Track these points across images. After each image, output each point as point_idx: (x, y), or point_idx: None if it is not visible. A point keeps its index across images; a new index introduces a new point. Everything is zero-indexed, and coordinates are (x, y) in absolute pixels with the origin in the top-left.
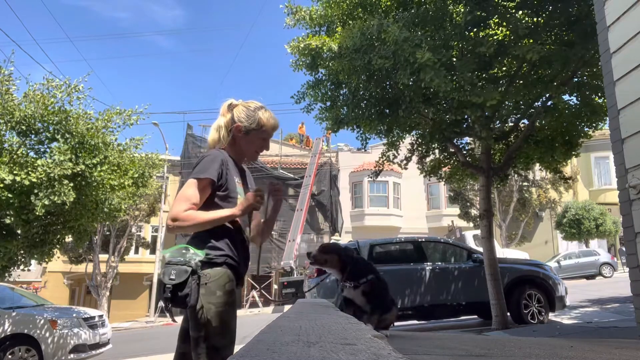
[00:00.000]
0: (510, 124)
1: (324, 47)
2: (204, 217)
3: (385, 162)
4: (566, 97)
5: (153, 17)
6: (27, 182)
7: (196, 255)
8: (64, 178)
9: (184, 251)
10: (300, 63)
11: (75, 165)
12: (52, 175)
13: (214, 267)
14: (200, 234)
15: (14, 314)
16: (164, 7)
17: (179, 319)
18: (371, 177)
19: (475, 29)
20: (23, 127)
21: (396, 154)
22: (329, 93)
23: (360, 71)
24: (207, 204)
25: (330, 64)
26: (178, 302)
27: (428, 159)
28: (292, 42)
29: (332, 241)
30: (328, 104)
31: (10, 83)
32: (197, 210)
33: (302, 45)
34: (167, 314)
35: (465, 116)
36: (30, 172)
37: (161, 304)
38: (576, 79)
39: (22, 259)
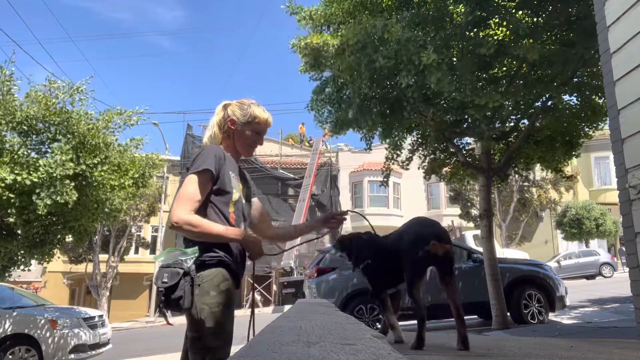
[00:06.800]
0: (511, 124)
1: (326, 46)
2: (213, 230)
3: (391, 164)
4: (566, 97)
5: (154, 17)
6: (28, 182)
7: (188, 256)
8: (65, 178)
9: (176, 253)
10: (307, 67)
11: (77, 166)
12: (54, 175)
13: (207, 268)
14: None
15: (14, 314)
16: (165, 8)
17: (176, 321)
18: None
19: (475, 29)
20: (24, 127)
21: (399, 154)
22: (334, 95)
23: (363, 70)
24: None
25: (333, 62)
26: (172, 304)
27: (428, 159)
28: (294, 40)
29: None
30: (334, 107)
31: (11, 83)
32: (204, 219)
33: (302, 44)
34: (162, 317)
35: (466, 116)
36: (31, 172)
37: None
38: (576, 79)
39: (23, 259)
